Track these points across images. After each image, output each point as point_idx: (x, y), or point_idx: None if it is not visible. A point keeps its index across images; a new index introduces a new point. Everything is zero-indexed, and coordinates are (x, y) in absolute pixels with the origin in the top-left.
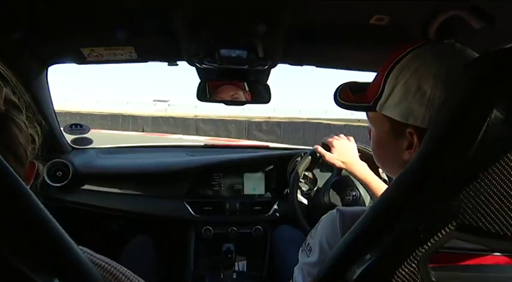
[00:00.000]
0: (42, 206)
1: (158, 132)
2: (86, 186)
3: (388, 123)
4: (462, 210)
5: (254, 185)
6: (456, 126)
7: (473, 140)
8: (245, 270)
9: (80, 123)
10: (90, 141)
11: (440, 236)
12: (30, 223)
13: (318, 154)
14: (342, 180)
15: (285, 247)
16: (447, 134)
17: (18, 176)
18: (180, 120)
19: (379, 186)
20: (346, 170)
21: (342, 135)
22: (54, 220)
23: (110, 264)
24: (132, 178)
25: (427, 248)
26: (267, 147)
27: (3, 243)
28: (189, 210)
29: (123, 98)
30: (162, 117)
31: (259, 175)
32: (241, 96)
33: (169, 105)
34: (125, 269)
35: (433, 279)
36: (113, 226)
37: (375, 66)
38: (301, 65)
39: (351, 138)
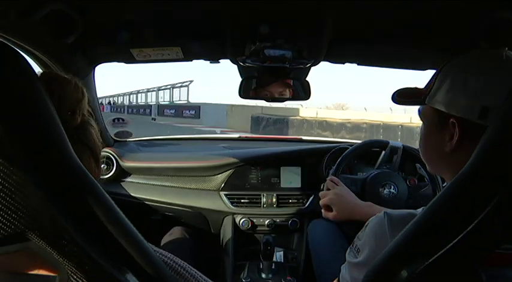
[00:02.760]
0: (118, 209)
1: None
2: (128, 179)
3: (435, 115)
4: None
5: (290, 178)
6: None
7: None
8: (282, 260)
9: (122, 118)
10: (130, 134)
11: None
12: (114, 227)
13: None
14: (380, 175)
15: (319, 241)
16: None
17: (100, 187)
18: None
19: None
20: (350, 219)
21: (328, 183)
22: (128, 221)
23: (180, 266)
24: (172, 170)
25: (484, 254)
26: (300, 140)
27: (95, 247)
28: (226, 202)
29: None
30: None
31: (296, 168)
32: (287, 93)
33: None
34: (194, 269)
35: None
36: (156, 216)
37: (417, 64)
38: (343, 63)
39: (338, 181)
